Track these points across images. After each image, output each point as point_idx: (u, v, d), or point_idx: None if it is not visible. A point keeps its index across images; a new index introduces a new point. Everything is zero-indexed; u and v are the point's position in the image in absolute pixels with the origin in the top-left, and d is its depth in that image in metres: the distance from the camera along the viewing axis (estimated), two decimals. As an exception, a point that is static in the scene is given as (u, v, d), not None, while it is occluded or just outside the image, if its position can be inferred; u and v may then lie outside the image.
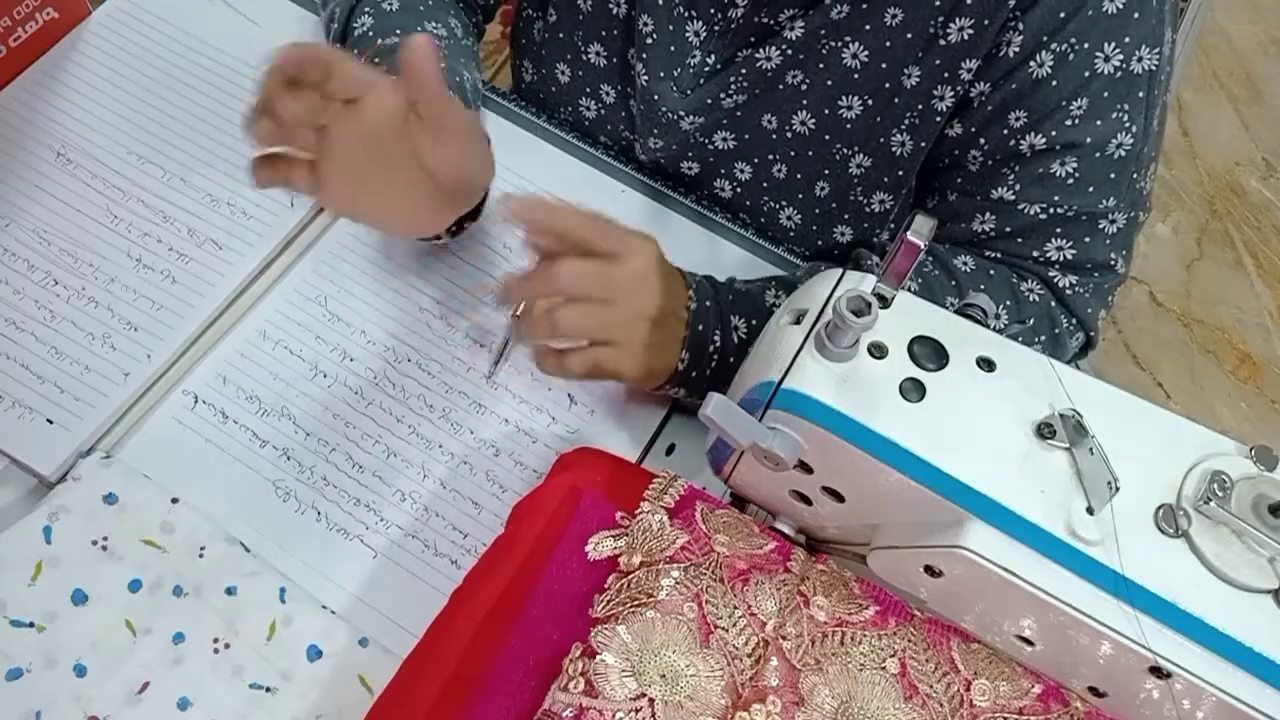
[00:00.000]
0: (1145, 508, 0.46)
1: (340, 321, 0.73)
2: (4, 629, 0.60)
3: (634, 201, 0.81)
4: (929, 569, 0.49)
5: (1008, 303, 0.72)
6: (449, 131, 0.61)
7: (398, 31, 0.73)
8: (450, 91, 0.67)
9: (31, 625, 0.60)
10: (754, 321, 0.67)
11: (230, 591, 0.63)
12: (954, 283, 0.72)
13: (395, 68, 0.70)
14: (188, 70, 0.81)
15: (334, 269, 0.75)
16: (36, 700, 0.58)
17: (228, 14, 0.84)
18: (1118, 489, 0.45)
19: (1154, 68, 0.68)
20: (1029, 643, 0.49)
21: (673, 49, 0.76)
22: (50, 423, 0.66)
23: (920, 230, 0.46)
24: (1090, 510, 0.46)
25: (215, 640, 0.61)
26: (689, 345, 0.65)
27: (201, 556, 0.63)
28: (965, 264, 0.73)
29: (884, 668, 0.50)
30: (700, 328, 0.65)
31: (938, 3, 0.67)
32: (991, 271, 0.74)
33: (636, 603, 0.50)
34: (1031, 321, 0.72)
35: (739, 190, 0.83)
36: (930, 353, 0.50)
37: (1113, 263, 0.73)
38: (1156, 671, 0.44)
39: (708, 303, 0.66)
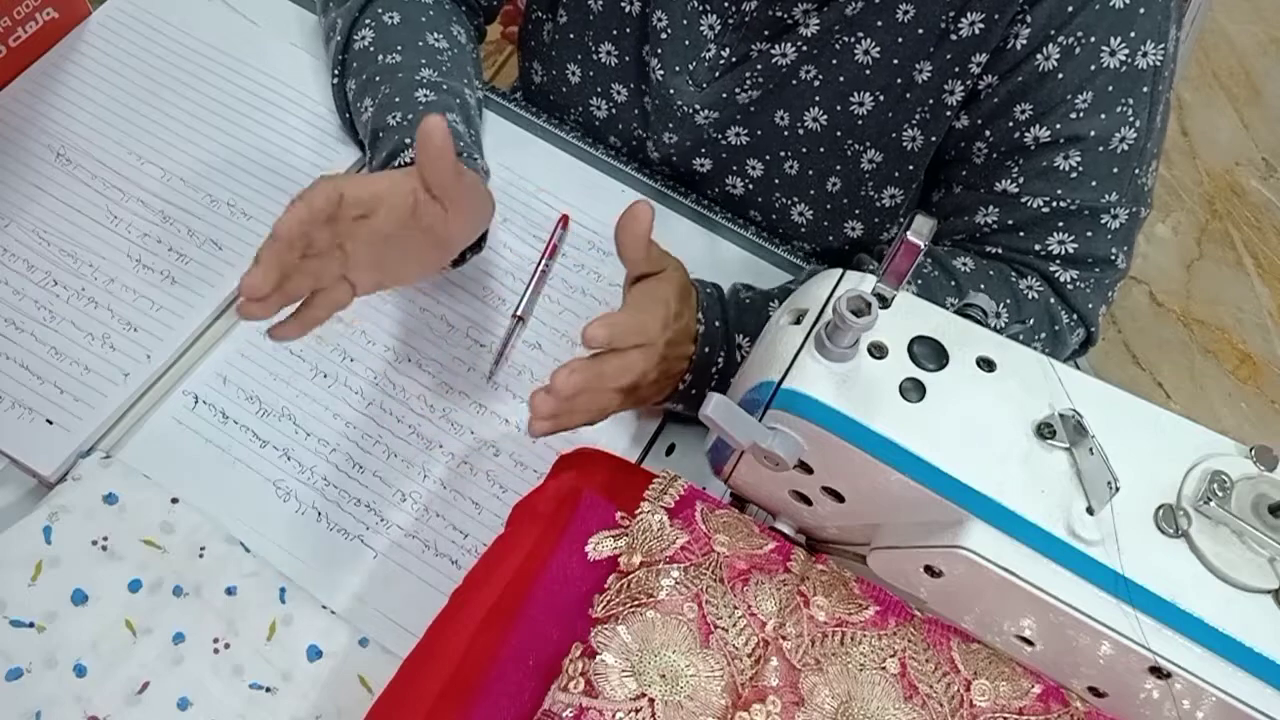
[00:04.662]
0: (1145, 508, 0.46)
1: (340, 321, 0.73)
2: (4, 629, 0.60)
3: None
4: (929, 569, 0.49)
5: (1007, 301, 0.72)
6: (460, 202, 0.62)
7: (399, 48, 0.74)
8: (462, 155, 0.68)
9: (31, 625, 0.60)
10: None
11: (230, 591, 0.63)
12: (953, 283, 0.72)
13: (396, 84, 0.71)
14: (188, 70, 0.81)
15: (334, 269, 0.75)
16: (36, 700, 0.58)
17: (228, 14, 0.84)
18: (1118, 489, 0.45)
19: (1158, 63, 0.68)
20: (1029, 643, 0.49)
21: (687, 43, 0.77)
22: (50, 423, 0.66)
23: (920, 230, 0.46)
24: (1090, 510, 0.46)
25: (215, 640, 0.61)
26: (693, 368, 0.66)
27: (201, 556, 0.63)
28: (965, 265, 0.73)
29: (884, 668, 0.50)
30: (707, 349, 0.66)
31: None
32: (991, 271, 0.74)
33: (636, 603, 0.50)
34: (1031, 320, 0.73)
35: (750, 187, 0.83)
36: (930, 353, 0.49)
37: (1114, 258, 0.73)
38: (1156, 671, 0.44)
39: (716, 323, 0.66)
